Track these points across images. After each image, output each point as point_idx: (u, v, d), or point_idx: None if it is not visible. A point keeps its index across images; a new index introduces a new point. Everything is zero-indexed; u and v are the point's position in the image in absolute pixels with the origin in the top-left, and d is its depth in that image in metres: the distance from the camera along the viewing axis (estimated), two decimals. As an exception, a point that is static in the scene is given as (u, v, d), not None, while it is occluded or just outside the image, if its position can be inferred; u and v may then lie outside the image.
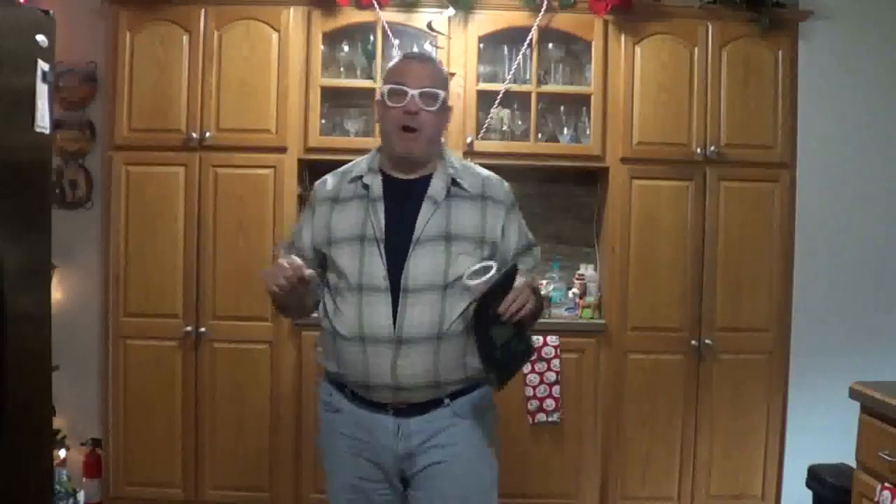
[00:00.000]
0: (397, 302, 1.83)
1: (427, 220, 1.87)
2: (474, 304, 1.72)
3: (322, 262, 1.97)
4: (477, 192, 1.94)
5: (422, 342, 1.83)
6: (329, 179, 2.02)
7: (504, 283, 1.70)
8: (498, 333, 1.71)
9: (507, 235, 1.95)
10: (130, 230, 3.34)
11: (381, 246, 1.86)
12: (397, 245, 1.86)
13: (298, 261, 1.78)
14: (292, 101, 3.31)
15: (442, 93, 1.89)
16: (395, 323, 1.82)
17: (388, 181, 1.94)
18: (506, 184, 2.01)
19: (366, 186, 1.93)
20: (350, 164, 2.03)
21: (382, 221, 1.88)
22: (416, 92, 1.84)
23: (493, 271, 1.71)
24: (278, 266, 1.77)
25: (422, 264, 1.84)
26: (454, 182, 1.92)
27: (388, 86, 1.88)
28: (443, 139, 2.03)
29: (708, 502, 3.40)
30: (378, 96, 1.93)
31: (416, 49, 3.44)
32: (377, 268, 1.85)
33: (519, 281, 1.72)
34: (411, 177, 1.93)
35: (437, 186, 1.91)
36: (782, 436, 3.41)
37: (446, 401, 1.89)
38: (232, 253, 3.31)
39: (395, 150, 1.89)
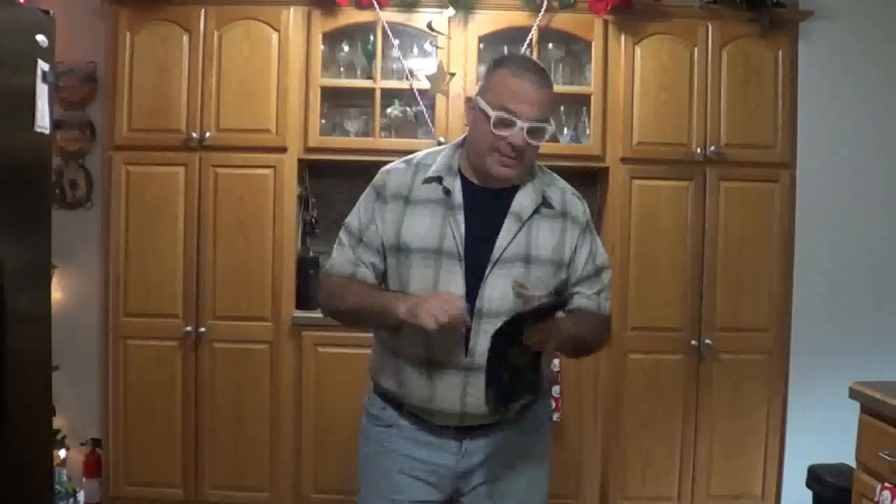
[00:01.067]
0: (469, 326, 1.66)
1: (510, 239, 1.70)
2: (512, 314, 1.58)
3: (383, 262, 1.78)
4: (559, 210, 1.78)
5: None
6: (399, 171, 1.79)
7: (546, 310, 1.58)
8: (516, 355, 1.59)
9: (577, 258, 1.78)
10: (130, 230, 3.34)
11: (462, 263, 1.68)
12: (475, 263, 1.69)
13: (462, 302, 1.60)
14: (292, 101, 3.31)
15: (550, 127, 1.73)
16: (466, 349, 1.67)
17: (467, 186, 1.75)
18: (584, 203, 1.86)
19: (447, 192, 1.73)
20: (420, 154, 1.83)
21: (464, 233, 1.69)
22: (526, 126, 1.65)
23: (546, 296, 1.61)
24: (450, 299, 1.58)
25: (500, 286, 1.68)
26: (543, 199, 1.76)
27: (497, 112, 1.65)
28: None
29: (708, 502, 3.40)
30: (471, 104, 1.74)
31: (415, 50, 3.45)
32: (456, 287, 1.67)
33: (563, 320, 1.63)
34: (495, 186, 1.75)
35: (524, 201, 1.74)
36: (782, 436, 3.41)
37: (513, 417, 1.78)
38: (232, 253, 3.31)
39: (491, 172, 1.70)
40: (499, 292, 1.67)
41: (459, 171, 1.76)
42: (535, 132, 1.67)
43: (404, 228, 1.72)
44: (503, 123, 1.65)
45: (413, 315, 1.57)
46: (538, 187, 1.76)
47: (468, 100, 1.77)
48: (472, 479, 1.78)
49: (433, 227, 1.70)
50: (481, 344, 1.63)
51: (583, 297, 1.79)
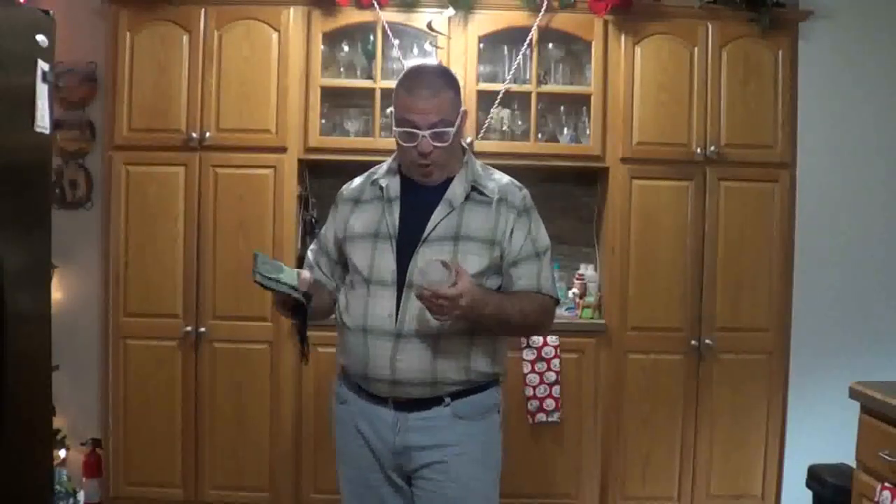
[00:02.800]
0: (401, 297, 1.87)
1: (438, 221, 1.91)
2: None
3: (338, 261, 2.07)
4: (495, 197, 1.95)
5: (421, 338, 1.86)
6: (356, 182, 2.10)
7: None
8: None
9: (513, 240, 1.93)
10: (130, 230, 3.34)
11: (394, 242, 1.91)
12: (409, 243, 1.90)
13: (305, 273, 1.90)
14: (292, 101, 3.31)
15: (451, 130, 1.88)
16: (396, 317, 1.86)
17: (407, 182, 1.98)
18: (524, 191, 2.01)
19: (381, 188, 1.98)
20: (378, 166, 2.09)
21: (397, 220, 1.93)
22: (426, 133, 1.85)
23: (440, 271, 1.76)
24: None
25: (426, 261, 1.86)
26: (474, 188, 1.95)
27: (398, 129, 1.89)
28: (465, 143, 2.05)
29: (708, 502, 3.40)
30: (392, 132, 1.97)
31: (415, 50, 3.45)
32: (387, 263, 1.90)
33: (470, 297, 1.75)
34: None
35: (456, 190, 1.94)
36: (782, 436, 3.41)
37: (447, 400, 1.90)
38: (232, 253, 3.31)
39: (415, 178, 1.95)
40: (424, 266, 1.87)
41: (400, 171, 2.00)
42: (438, 136, 1.86)
43: (351, 222, 2.00)
44: (406, 137, 1.88)
45: None
46: (470, 178, 1.96)
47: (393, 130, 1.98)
48: (414, 459, 1.92)
49: (373, 217, 1.97)
50: (409, 313, 1.86)
51: (522, 279, 1.94)
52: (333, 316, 2.05)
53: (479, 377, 1.94)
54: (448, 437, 1.90)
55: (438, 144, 1.86)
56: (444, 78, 1.94)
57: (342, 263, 2.05)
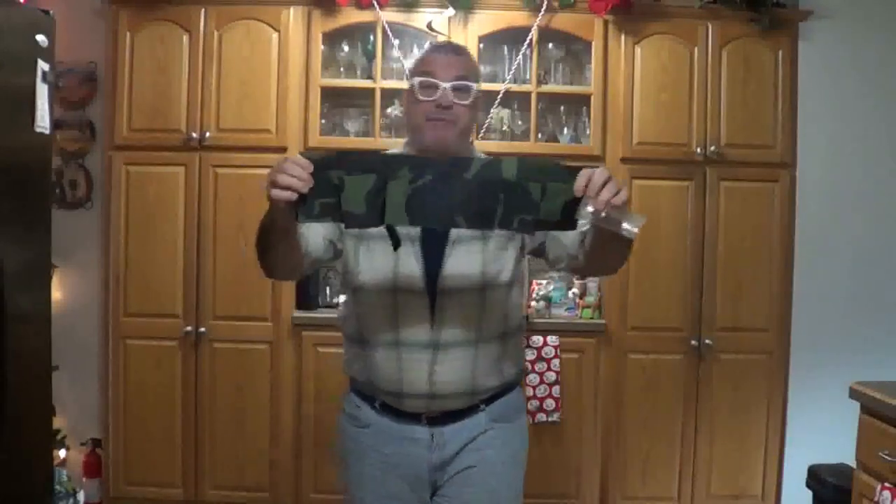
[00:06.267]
0: (434, 305, 1.72)
1: None
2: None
3: (335, 255, 1.82)
4: None
5: (460, 347, 1.73)
6: None
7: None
8: (549, 192, 1.46)
9: None
10: (130, 230, 3.34)
11: (417, 245, 1.74)
12: (431, 244, 1.74)
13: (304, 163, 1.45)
14: (292, 101, 3.31)
15: (474, 85, 1.76)
16: (432, 327, 1.72)
17: None
18: None
19: None
20: (382, 151, 1.91)
21: None
22: (447, 85, 1.71)
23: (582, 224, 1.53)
24: (292, 160, 1.44)
25: (459, 264, 1.73)
26: None
27: (418, 78, 1.74)
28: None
29: (708, 502, 3.40)
30: (405, 93, 1.81)
31: (415, 50, 3.45)
32: (413, 268, 1.73)
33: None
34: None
35: None
36: (782, 436, 3.41)
37: (482, 406, 1.80)
38: (232, 253, 3.31)
39: (426, 141, 1.74)
40: (458, 270, 1.73)
41: None
42: (459, 91, 1.72)
43: None
44: (425, 87, 1.72)
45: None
46: None
47: (405, 93, 1.83)
48: (447, 471, 1.79)
49: None
50: (446, 320, 1.72)
51: (565, 237, 1.73)
52: (336, 318, 1.91)
53: (510, 378, 1.85)
54: (481, 443, 1.80)
55: (459, 101, 1.72)
56: (468, 52, 1.90)
57: (332, 244, 1.78)
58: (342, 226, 1.69)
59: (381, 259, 1.74)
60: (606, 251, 1.65)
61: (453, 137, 1.74)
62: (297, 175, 1.41)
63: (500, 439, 1.82)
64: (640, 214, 1.42)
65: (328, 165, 1.42)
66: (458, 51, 1.84)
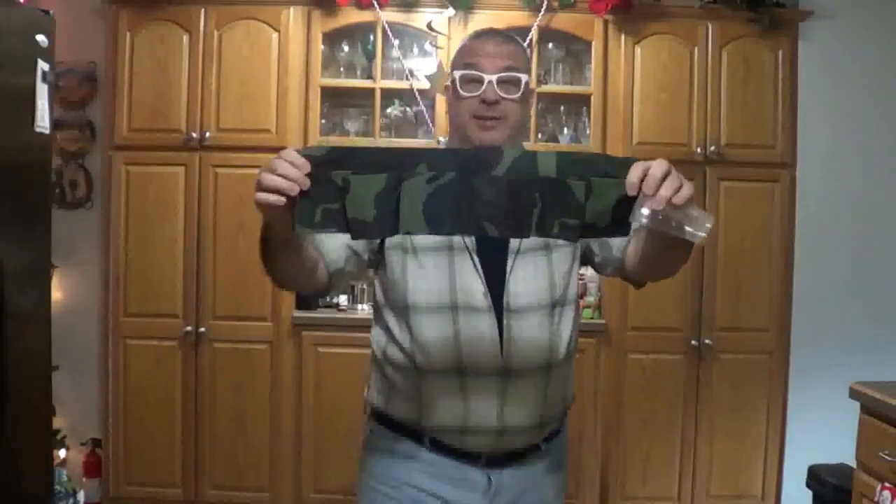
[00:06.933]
0: (501, 326, 1.50)
1: None
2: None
3: (358, 266, 1.57)
4: None
5: (533, 373, 1.52)
6: None
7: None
8: (597, 189, 1.23)
9: None
10: (130, 230, 3.34)
11: (475, 256, 1.52)
12: (490, 256, 1.52)
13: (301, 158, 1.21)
14: (292, 101, 3.31)
15: (525, 76, 1.54)
16: (502, 350, 1.49)
17: None
18: None
19: None
20: None
21: None
22: (493, 77, 1.50)
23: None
24: (284, 156, 1.21)
25: (525, 279, 1.53)
26: None
27: (460, 71, 1.53)
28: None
29: (708, 502, 3.40)
30: (447, 87, 1.60)
31: (415, 50, 3.45)
32: (473, 282, 1.51)
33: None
34: None
35: None
36: (782, 436, 3.41)
37: (543, 446, 1.59)
38: (232, 253, 3.31)
39: (472, 144, 1.53)
40: (525, 286, 1.52)
41: None
42: (507, 84, 1.51)
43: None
44: (469, 80, 1.52)
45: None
46: None
47: (445, 87, 1.63)
48: None
49: None
50: (516, 344, 1.50)
51: (613, 240, 1.56)
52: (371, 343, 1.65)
53: (570, 401, 1.66)
54: (534, 492, 1.59)
55: (507, 96, 1.50)
56: (516, 39, 1.63)
57: (355, 254, 1.54)
58: (395, 238, 1.51)
59: (434, 273, 1.51)
60: (663, 257, 1.44)
61: (503, 138, 1.52)
62: (289, 175, 1.17)
63: (551, 489, 1.64)
64: (707, 213, 1.21)
65: (329, 163, 1.20)
66: (504, 38, 1.58)
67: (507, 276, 1.52)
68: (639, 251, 1.47)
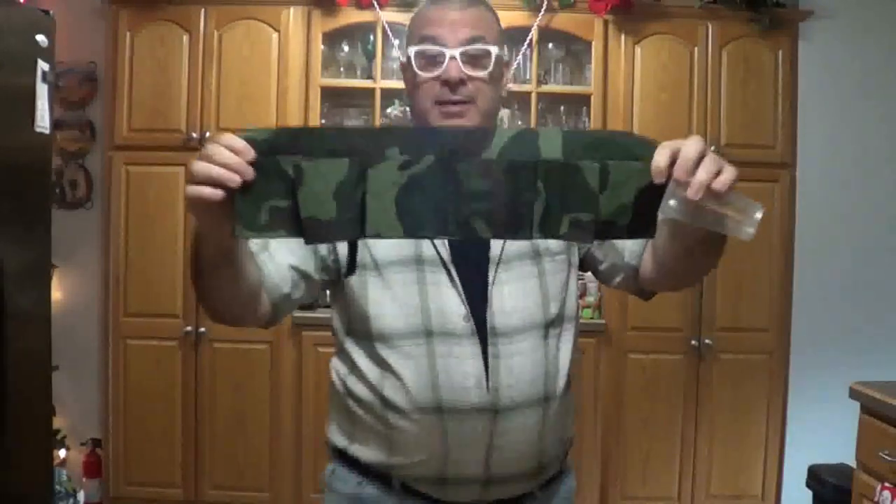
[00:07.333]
0: (486, 352, 1.24)
1: None
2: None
3: (309, 291, 1.29)
4: None
5: (526, 409, 1.26)
6: None
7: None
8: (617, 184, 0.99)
9: None
10: (130, 230, 3.34)
11: (452, 270, 1.25)
12: (468, 268, 1.26)
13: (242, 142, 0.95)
14: (292, 101, 3.31)
15: (494, 49, 1.26)
16: (487, 383, 1.23)
17: None
18: None
19: None
20: None
21: None
22: (456, 52, 1.23)
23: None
24: (222, 140, 0.95)
25: (513, 295, 1.26)
26: None
27: (415, 47, 1.25)
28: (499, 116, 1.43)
29: (708, 502, 3.40)
30: (403, 66, 1.33)
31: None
32: (451, 302, 1.24)
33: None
34: None
35: None
36: (782, 436, 3.41)
37: (539, 494, 1.36)
38: (232, 253, 3.31)
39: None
40: (513, 302, 1.26)
41: None
42: (474, 59, 1.24)
43: (370, 241, 1.24)
44: (427, 58, 1.24)
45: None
46: None
47: (401, 67, 1.34)
48: None
49: None
50: (505, 375, 1.23)
51: (626, 243, 1.31)
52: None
53: (570, 433, 1.43)
54: None
55: (473, 73, 1.23)
56: (484, 0, 1.34)
57: (303, 276, 1.26)
58: (346, 252, 1.26)
59: (403, 293, 1.25)
60: (690, 259, 1.16)
61: (473, 120, 1.26)
62: (228, 162, 0.93)
63: None
64: (754, 202, 0.99)
65: (278, 148, 0.96)
66: (471, 2, 1.29)
67: (489, 291, 1.25)
68: (658, 253, 1.22)
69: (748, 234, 0.96)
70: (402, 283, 1.25)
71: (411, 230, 0.99)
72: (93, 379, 3.52)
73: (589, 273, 1.42)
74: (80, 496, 3.45)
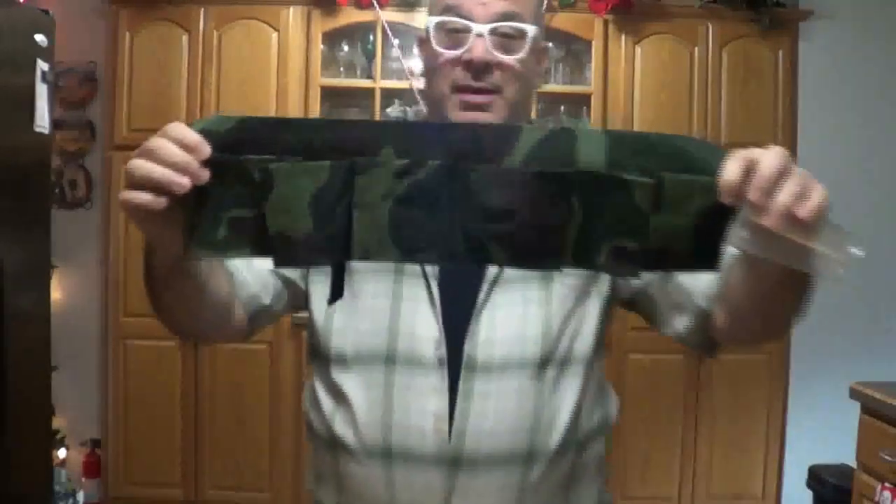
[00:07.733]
0: (455, 388, 1.00)
1: None
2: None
3: (293, 301, 1.12)
4: None
5: (499, 466, 1.00)
6: None
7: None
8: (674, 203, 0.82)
9: None
10: (130, 230, 3.33)
11: (434, 285, 1.02)
12: (457, 286, 1.03)
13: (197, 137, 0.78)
14: (292, 101, 3.31)
15: (532, 28, 1.04)
16: (451, 427, 0.99)
17: None
18: None
19: None
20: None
21: None
22: (485, 28, 1.01)
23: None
24: (170, 132, 0.77)
25: (504, 321, 1.03)
26: None
27: (437, 17, 1.05)
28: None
29: (708, 502, 3.40)
30: (421, 41, 1.12)
31: (415, 50, 3.45)
32: (423, 323, 1.02)
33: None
34: None
35: None
36: (782, 436, 3.41)
37: None
38: (232, 253, 3.31)
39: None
40: (502, 332, 1.02)
41: None
42: (506, 40, 1.02)
43: None
44: (450, 34, 1.04)
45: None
46: None
47: (419, 43, 1.13)
48: None
49: None
50: (475, 420, 0.99)
51: (696, 279, 1.05)
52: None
53: None
54: None
55: (504, 57, 1.02)
56: None
57: (287, 283, 1.10)
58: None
59: (371, 307, 1.03)
60: (770, 302, 0.90)
61: (498, 115, 1.04)
62: (175, 161, 0.75)
63: None
64: (848, 232, 0.80)
65: (241, 144, 0.79)
66: None
67: (474, 316, 1.02)
68: (727, 294, 0.96)
69: (839, 276, 0.76)
70: (372, 294, 1.03)
71: (409, 253, 0.81)
72: (92, 379, 3.52)
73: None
74: (80, 496, 3.45)
